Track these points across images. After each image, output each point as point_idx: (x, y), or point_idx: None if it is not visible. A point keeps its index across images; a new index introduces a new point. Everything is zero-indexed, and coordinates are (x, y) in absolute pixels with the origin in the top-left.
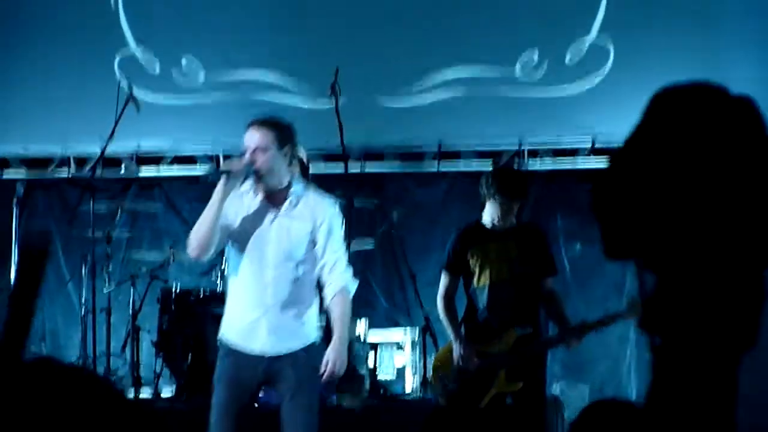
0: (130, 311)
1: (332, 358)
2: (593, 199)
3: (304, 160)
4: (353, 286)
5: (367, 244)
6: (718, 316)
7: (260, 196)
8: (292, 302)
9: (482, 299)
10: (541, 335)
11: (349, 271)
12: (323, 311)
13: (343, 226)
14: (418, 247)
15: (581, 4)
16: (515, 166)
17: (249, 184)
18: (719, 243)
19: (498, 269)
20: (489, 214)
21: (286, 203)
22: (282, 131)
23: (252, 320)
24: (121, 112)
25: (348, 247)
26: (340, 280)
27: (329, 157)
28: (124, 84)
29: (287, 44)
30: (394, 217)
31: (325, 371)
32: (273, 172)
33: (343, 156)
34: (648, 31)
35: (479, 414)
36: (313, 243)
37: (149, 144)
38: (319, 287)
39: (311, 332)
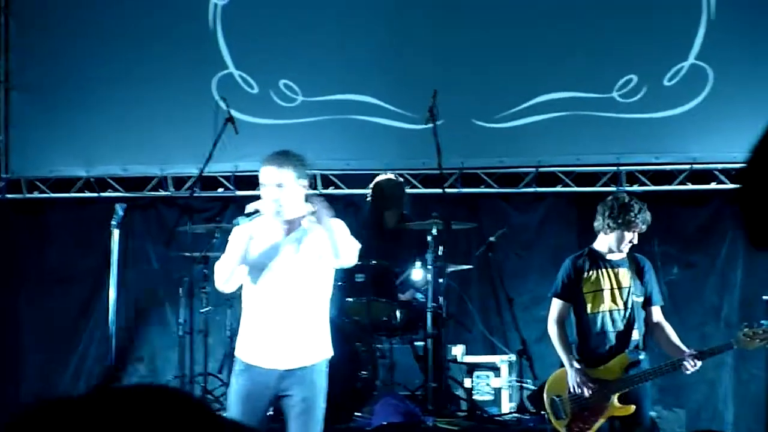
0: (228, 332)
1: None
2: (739, 189)
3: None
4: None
5: (463, 266)
6: None
7: (275, 224)
8: (305, 320)
9: (595, 325)
10: (648, 360)
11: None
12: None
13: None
14: (515, 270)
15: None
16: (617, 191)
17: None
18: None
19: (612, 297)
20: (604, 243)
21: (299, 228)
22: (299, 168)
23: (269, 338)
24: (220, 133)
25: (444, 270)
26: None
27: (426, 178)
28: (222, 104)
29: (385, 67)
30: (491, 239)
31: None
32: (292, 205)
33: (440, 177)
34: (748, 54)
35: None
36: (323, 260)
37: (247, 164)
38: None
39: (322, 349)
